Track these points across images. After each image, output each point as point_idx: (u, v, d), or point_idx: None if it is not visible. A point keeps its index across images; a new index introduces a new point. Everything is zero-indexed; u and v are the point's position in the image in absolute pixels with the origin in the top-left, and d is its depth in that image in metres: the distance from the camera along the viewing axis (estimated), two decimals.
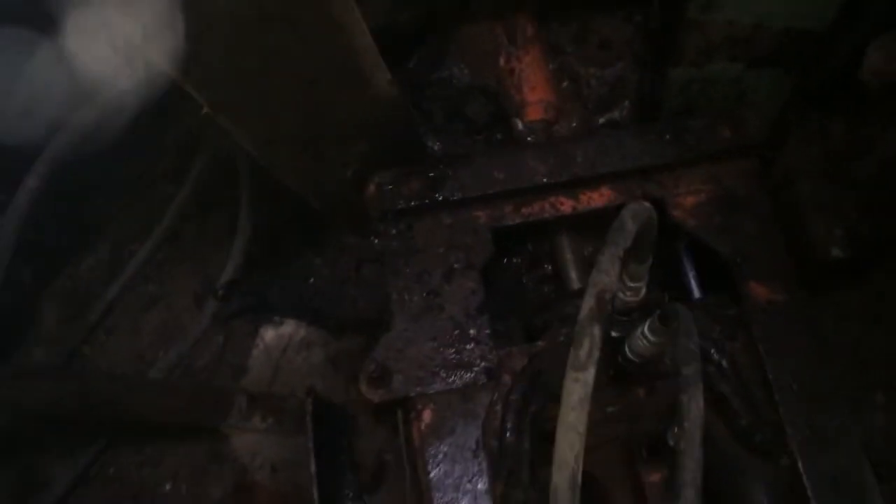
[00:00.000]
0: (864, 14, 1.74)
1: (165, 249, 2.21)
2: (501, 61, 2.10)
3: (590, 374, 1.03)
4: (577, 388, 1.02)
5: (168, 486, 2.00)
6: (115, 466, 2.05)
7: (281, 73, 1.31)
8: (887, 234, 1.71)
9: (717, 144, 1.80)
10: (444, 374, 1.61)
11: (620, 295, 1.28)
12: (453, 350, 1.64)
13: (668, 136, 1.79)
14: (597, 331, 1.06)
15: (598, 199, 1.81)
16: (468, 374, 1.61)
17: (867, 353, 1.80)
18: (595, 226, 2.08)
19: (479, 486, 1.51)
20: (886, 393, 1.73)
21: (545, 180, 1.75)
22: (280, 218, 2.11)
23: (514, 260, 2.12)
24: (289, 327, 1.99)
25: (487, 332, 1.66)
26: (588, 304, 1.08)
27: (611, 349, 1.43)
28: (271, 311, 2.05)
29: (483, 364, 1.62)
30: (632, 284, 1.27)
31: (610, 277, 1.09)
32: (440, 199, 1.74)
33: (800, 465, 1.51)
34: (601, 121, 2.10)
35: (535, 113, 2.03)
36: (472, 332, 1.66)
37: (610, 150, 1.78)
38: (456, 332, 1.66)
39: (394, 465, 1.86)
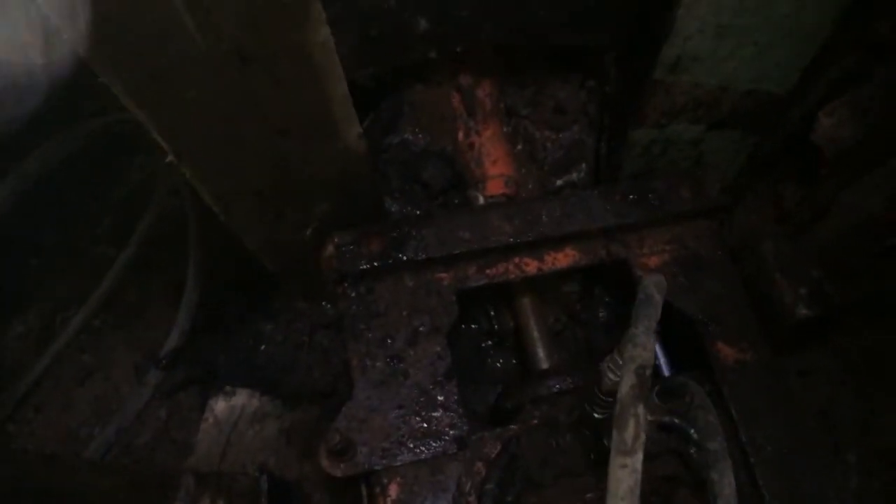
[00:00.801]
0: (819, 80, 1.79)
1: (103, 316, 2.03)
2: (461, 135, 2.09)
3: (638, 459, 0.97)
4: (626, 475, 0.97)
5: None
6: None
7: (253, 121, 1.23)
8: (849, 293, 1.72)
9: (678, 205, 1.80)
10: (411, 445, 1.51)
11: (610, 375, 1.23)
12: (420, 418, 1.55)
13: (632, 197, 1.78)
14: (641, 410, 1.00)
15: (562, 259, 1.77)
16: (437, 444, 1.51)
17: (836, 412, 1.78)
18: (556, 295, 2.06)
19: None
20: (858, 453, 1.71)
21: (511, 240, 1.70)
22: (229, 281, 1.99)
23: (473, 326, 2.06)
24: (241, 398, 1.84)
25: (455, 398, 1.57)
26: (628, 382, 1.02)
27: (593, 432, 1.37)
28: (220, 381, 1.91)
29: (452, 433, 1.53)
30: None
31: (648, 352, 1.04)
32: (403, 259, 1.66)
33: None
34: (559, 183, 2.08)
35: (495, 187, 2.01)
36: (439, 398, 1.57)
37: (575, 211, 1.76)
38: (422, 398, 1.57)
39: None
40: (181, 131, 1.17)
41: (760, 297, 1.74)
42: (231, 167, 1.32)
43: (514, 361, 2.02)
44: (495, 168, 2.04)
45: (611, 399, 1.29)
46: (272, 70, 1.14)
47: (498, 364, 2.02)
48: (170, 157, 1.19)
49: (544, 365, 1.84)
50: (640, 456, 0.97)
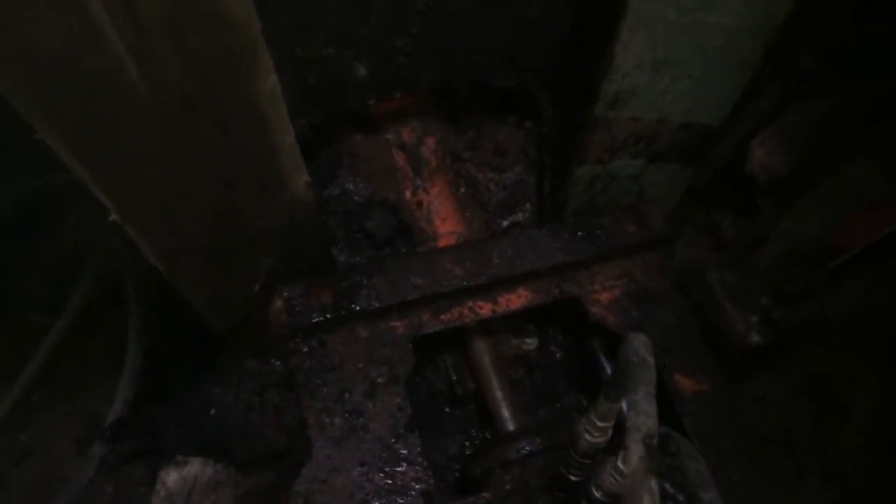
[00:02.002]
0: (749, 111, 1.85)
1: (39, 390, 1.90)
2: (408, 194, 2.07)
3: None
4: None
5: None
6: None
7: (199, 172, 1.18)
8: (797, 318, 1.76)
9: (625, 240, 1.82)
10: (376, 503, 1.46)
11: (587, 437, 1.20)
12: (384, 474, 1.49)
13: (580, 234, 1.79)
14: (654, 484, 0.97)
15: (515, 300, 1.76)
16: (403, 501, 1.46)
17: (794, 436, 1.80)
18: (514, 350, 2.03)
19: None
20: (818, 477, 1.73)
21: (464, 283, 1.68)
22: (173, 344, 1.89)
23: (425, 374, 2.01)
24: (193, 468, 1.73)
25: (419, 450, 1.53)
26: (637, 453, 0.99)
27: (569, 494, 1.35)
28: (170, 451, 1.80)
29: (419, 487, 1.48)
30: (600, 424, 1.18)
31: (652, 419, 1.01)
32: (356, 309, 1.62)
33: None
34: (504, 224, 2.08)
35: (447, 244, 2.00)
36: (402, 451, 1.52)
37: (525, 251, 1.75)
38: (385, 453, 1.52)
39: None
40: (124, 186, 1.11)
41: (712, 327, 1.76)
42: (177, 222, 1.26)
43: (472, 408, 1.97)
44: (445, 226, 2.03)
45: (588, 461, 1.27)
46: (219, 119, 1.10)
47: (458, 412, 1.97)
48: (112, 216, 1.13)
49: (510, 426, 1.78)
50: None
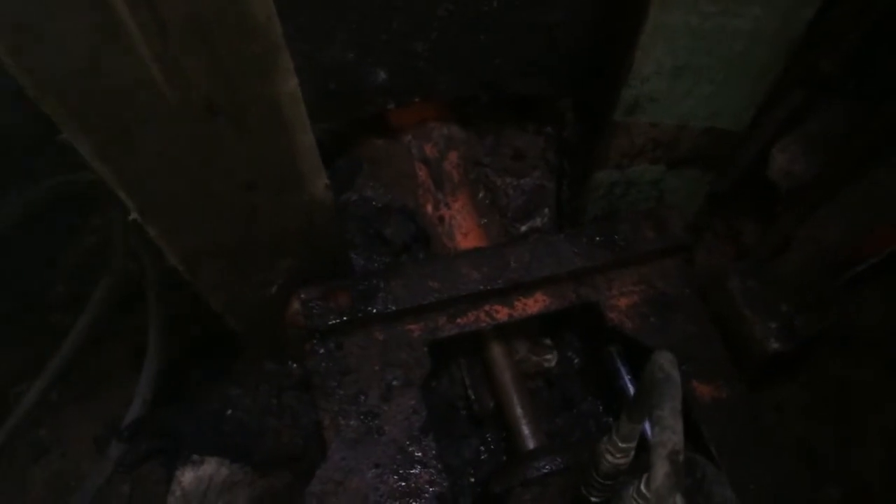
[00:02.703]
0: (771, 116, 1.84)
1: (59, 388, 1.92)
2: (430, 208, 2.08)
3: None
4: None
5: None
6: None
7: (220, 173, 1.20)
8: (818, 326, 1.74)
9: (644, 245, 1.81)
10: None
11: (609, 458, 1.19)
12: (398, 476, 1.49)
13: (598, 239, 1.78)
14: (679, 501, 0.94)
15: (532, 305, 1.76)
16: (418, 503, 1.46)
17: (813, 444, 1.78)
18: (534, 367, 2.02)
19: None
20: (839, 485, 1.71)
21: (481, 287, 1.68)
22: (192, 346, 1.91)
23: (441, 388, 2.00)
24: (209, 467, 1.75)
25: (434, 453, 1.53)
26: (662, 469, 0.95)
27: None
28: (186, 451, 1.81)
29: (433, 489, 1.48)
30: (622, 445, 1.17)
31: (677, 435, 0.97)
32: (373, 312, 1.62)
33: None
34: (523, 229, 2.08)
35: None
36: (417, 454, 1.52)
37: (543, 256, 1.75)
38: (399, 456, 1.52)
39: None
40: (146, 187, 1.12)
41: (731, 334, 1.75)
42: (197, 223, 1.27)
43: (491, 425, 1.95)
44: (467, 241, 2.03)
45: (609, 482, 1.26)
46: (241, 121, 1.11)
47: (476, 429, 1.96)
48: (133, 215, 1.14)
49: (531, 444, 1.77)
50: None
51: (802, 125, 1.91)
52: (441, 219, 2.07)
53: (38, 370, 1.89)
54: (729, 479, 1.57)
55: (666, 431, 0.98)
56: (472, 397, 1.92)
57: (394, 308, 1.65)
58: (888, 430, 1.69)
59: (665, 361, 1.06)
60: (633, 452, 1.20)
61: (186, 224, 1.26)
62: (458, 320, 1.70)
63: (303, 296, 1.63)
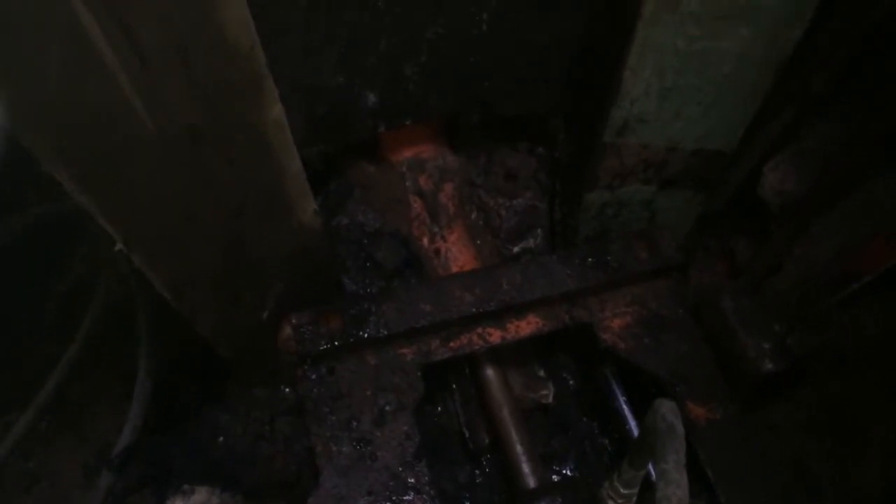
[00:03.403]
0: (761, 135, 1.84)
1: (48, 418, 1.90)
2: (426, 241, 2.08)
3: None
4: None
5: None
6: None
7: (206, 201, 1.19)
8: (812, 344, 1.73)
9: (637, 266, 1.81)
10: None
11: (611, 503, 1.18)
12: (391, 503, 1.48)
13: (590, 260, 1.78)
14: None
15: (525, 327, 1.75)
16: None
17: (810, 464, 1.77)
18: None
19: None
20: (835, 502, 1.69)
21: (473, 310, 1.68)
22: (182, 372, 1.89)
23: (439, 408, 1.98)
24: (200, 496, 1.73)
25: (427, 478, 1.51)
26: None
27: None
28: (177, 479, 1.79)
29: None
30: (624, 492, 1.17)
31: (682, 489, 0.96)
32: (364, 336, 1.62)
33: None
34: (515, 250, 2.08)
35: None
36: (410, 480, 1.51)
37: (535, 277, 1.74)
38: (392, 482, 1.50)
39: None
40: (130, 216, 1.12)
41: (725, 355, 1.74)
42: (184, 251, 1.27)
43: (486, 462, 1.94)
44: None
45: None
46: (225, 149, 1.11)
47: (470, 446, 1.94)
48: (118, 245, 1.13)
49: (531, 482, 1.71)
50: None
51: (793, 143, 1.91)
52: (437, 251, 2.06)
53: (28, 400, 1.88)
54: (725, 501, 1.57)
55: (671, 486, 0.97)
56: (467, 434, 1.90)
57: (385, 332, 1.64)
58: (886, 450, 1.67)
59: (667, 411, 1.05)
60: (635, 498, 1.19)
61: (173, 251, 1.25)
62: (451, 343, 1.69)
63: (294, 321, 1.62)
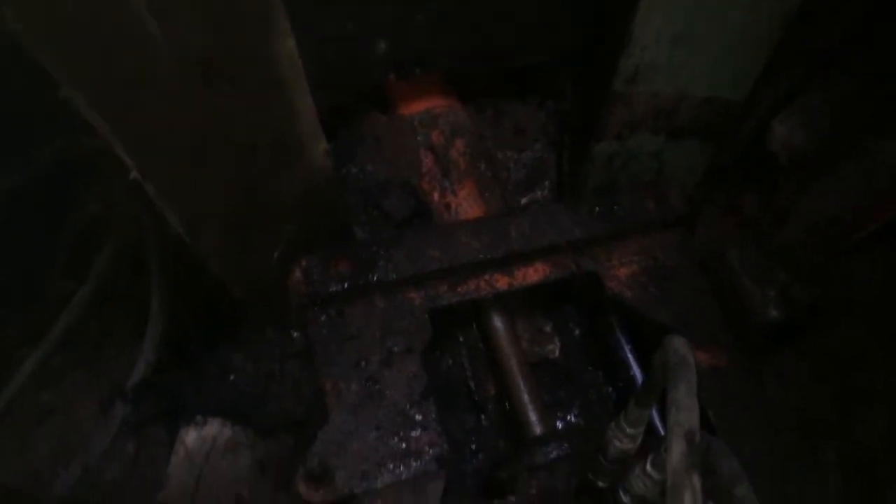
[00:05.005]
0: (771, 88, 1.84)
1: (63, 353, 1.95)
2: (436, 196, 2.10)
3: None
4: None
5: None
6: None
7: (219, 135, 1.21)
8: (817, 295, 1.75)
9: (644, 217, 1.83)
10: (391, 466, 1.48)
11: (616, 443, 1.21)
12: (399, 438, 1.52)
13: (598, 210, 1.80)
14: (696, 480, 0.94)
15: (532, 274, 1.77)
16: (417, 464, 1.48)
17: (812, 413, 1.79)
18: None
19: None
20: (837, 451, 1.72)
21: (481, 256, 1.70)
22: (195, 312, 1.93)
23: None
24: (212, 428, 1.77)
25: (434, 416, 1.55)
26: (679, 449, 0.96)
27: (596, 501, 1.36)
28: (190, 412, 1.84)
29: (432, 451, 1.50)
30: (630, 431, 1.19)
31: (694, 415, 0.98)
32: (374, 280, 1.65)
33: None
34: (523, 201, 2.09)
35: None
36: (417, 417, 1.54)
37: (543, 226, 1.76)
38: (400, 419, 1.54)
39: None
40: (146, 145, 1.14)
41: (730, 303, 1.76)
42: (197, 185, 1.29)
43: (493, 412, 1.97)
44: None
45: (616, 467, 1.27)
46: (239, 81, 1.13)
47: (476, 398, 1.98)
48: (133, 174, 1.16)
49: (537, 430, 1.77)
50: None
51: (803, 97, 1.91)
52: (448, 206, 2.08)
53: (42, 335, 1.92)
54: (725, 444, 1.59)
55: (682, 412, 0.99)
56: (473, 387, 1.94)
57: (395, 276, 1.67)
58: (891, 396, 1.69)
59: (679, 345, 1.07)
60: (640, 438, 1.21)
61: (186, 185, 1.27)
62: (459, 288, 1.72)
63: (304, 263, 1.65)
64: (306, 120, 1.31)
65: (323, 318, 1.65)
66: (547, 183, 2.10)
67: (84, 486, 1.84)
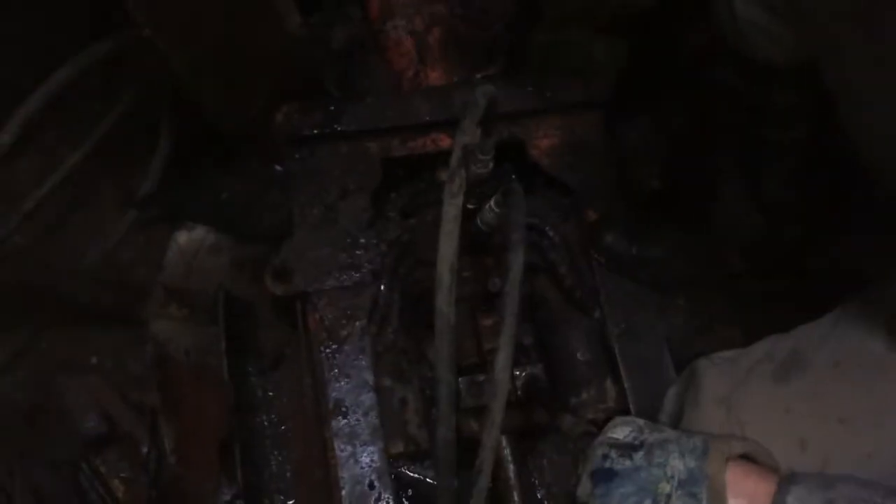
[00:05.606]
0: None
1: (92, 161, 2.35)
2: (410, 74, 2.45)
3: (459, 200, 1.48)
4: (452, 208, 1.47)
5: (94, 360, 2.28)
6: (47, 342, 2.31)
7: (201, 5, 1.61)
8: (690, 168, 2.16)
9: (570, 97, 2.17)
10: (337, 274, 1.92)
11: (473, 167, 1.58)
12: (346, 254, 1.94)
13: (530, 88, 2.16)
14: (463, 172, 1.52)
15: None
16: (357, 275, 1.92)
17: (674, 270, 2.21)
18: None
19: (363, 362, 1.85)
20: (686, 298, 2.17)
21: (427, 118, 2.08)
22: (195, 142, 2.37)
23: None
24: (200, 232, 2.27)
25: (375, 241, 1.97)
26: (456, 155, 1.54)
27: (468, 219, 1.73)
28: (186, 220, 2.34)
29: (370, 267, 1.93)
30: (481, 157, 1.57)
31: (471, 136, 1.55)
32: (339, 129, 2.04)
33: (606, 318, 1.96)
34: (478, 76, 2.44)
35: None
36: (362, 240, 1.96)
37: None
38: (348, 240, 1.97)
39: (291, 352, 2.21)
40: (152, 7, 1.53)
41: (624, 175, 2.17)
42: (190, 45, 1.70)
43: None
44: None
45: (476, 189, 1.68)
46: None
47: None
48: (146, 31, 1.56)
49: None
50: (461, 198, 1.50)
51: None
52: (419, 85, 2.46)
53: (78, 143, 2.32)
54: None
55: (462, 134, 1.60)
56: None
57: (357, 128, 2.06)
58: None
59: (479, 90, 1.69)
60: (490, 164, 1.60)
61: (184, 40, 1.69)
62: (409, 144, 2.11)
63: (285, 109, 2.04)
64: None
65: (297, 155, 2.04)
66: (501, 59, 2.43)
67: (105, 263, 2.39)
